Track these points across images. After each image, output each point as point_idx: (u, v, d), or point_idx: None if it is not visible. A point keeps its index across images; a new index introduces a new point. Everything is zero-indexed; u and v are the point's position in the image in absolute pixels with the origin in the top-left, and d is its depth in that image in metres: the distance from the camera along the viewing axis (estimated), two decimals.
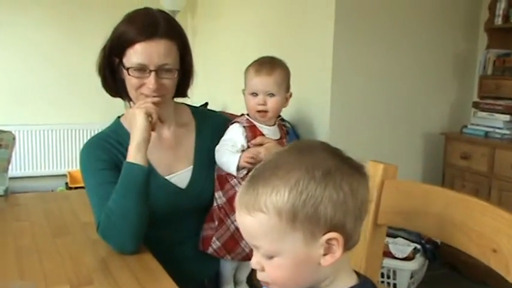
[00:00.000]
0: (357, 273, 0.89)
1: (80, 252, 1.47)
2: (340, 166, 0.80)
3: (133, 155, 1.42)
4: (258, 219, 0.79)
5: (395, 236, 3.13)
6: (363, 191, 0.82)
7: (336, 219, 0.78)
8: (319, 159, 0.81)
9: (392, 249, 3.01)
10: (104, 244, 1.45)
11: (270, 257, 0.81)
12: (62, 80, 4.99)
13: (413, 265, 2.93)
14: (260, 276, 0.85)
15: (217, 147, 1.61)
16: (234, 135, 1.61)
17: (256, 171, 0.84)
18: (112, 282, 1.26)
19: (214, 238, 1.57)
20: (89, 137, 1.62)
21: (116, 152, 1.54)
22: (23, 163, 5.03)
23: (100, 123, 1.71)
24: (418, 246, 3.04)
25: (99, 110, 4.17)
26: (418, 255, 3.00)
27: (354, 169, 0.82)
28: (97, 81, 1.60)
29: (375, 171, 1.12)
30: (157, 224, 1.48)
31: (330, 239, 0.79)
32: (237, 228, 1.55)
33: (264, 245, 0.80)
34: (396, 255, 2.98)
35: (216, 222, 1.58)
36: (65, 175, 5.03)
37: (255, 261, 0.84)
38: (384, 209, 1.11)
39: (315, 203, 0.77)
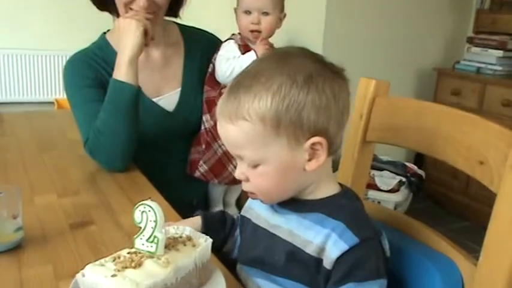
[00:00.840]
0: (340, 184, 0.89)
1: (66, 166, 1.47)
2: (322, 70, 0.80)
3: (124, 72, 1.35)
4: (241, 127, 0.78)
5: (381, 169, 3.16)
6: (345, 94, 0.82)
7: (320, 124, 0.79)
8: (300, 64, 0.80)
9: (378, 182, 3.05)
10: (92, 160, 1.45)
11: (255, 166, 0.81)
12: (52, 6, 4.86)
13: (397, 197, 2.98)
14: (245, 187, 0.86)
15: (217, 62, 1.55)
16: (231, 51, 1.56)
17: (235, 81, 0.82)
18: (99, 193, 1.27)
19: (201, 162, 1.56)
20: None
21: (102, 70, 1.49)
22: (10, 88, 4.97)
23: None
24: (404, 179, 3.08)
25: (89, 37, 4.07)
26: (402, 188, 3.04)
27: (335, 73, 0.82)
28: (88, 6, 1.53)
29: (366, 87, 1.11)
30: (144, 147, 1.46)
31: (314, 144, 0.79)
32: (224, 152, 1.54)
33: (248, 154, 0.80)
34: (381, 188, 3.02)
35: (203, 146, 1.56)
36: (52, 102, 4.98)
37: (239, 172, 0.84)
38: (374, 126, 1.10)
39: (298, 107, 0.77)
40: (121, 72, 1.36)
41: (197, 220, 1.00)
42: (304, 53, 0.83)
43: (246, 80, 0.80)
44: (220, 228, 1.01)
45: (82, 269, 0.75)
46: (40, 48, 4.96)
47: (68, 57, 1.56)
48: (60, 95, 5.00)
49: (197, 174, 1.57)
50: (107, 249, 0.97)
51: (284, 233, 0.85)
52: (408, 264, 0.90)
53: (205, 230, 0.97)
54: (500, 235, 0.77)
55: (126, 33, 1.38)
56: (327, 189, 0.86)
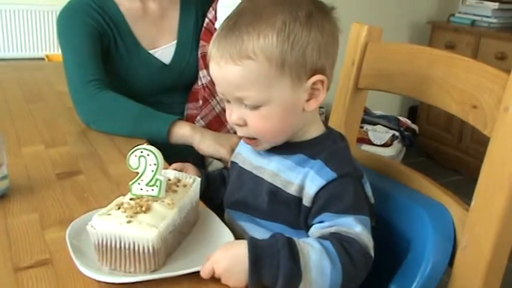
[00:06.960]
0: (326, 127, 0.89)
1: (54, 117, 1.44)
2: (317, 8, 0.79)
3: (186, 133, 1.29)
4: (246, 67, 0.76)
5: (375, 124, 3.15)
6: (337, 33, 0.82)
7: (320, 63, 0.78)
8: (298, 1, 0.78)
9: (371, 136, 3.04)
10: None
11: (256, 107, 0.79)
12: None
13: (390, 151, 2.97)
14: (242, 132, 0.83)
15: (220, 11, 1.48)
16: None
17: (231, 20, 0.79)
18: (87, 143, 1.25)
19: (198, 117, 1.53)
20: None
21: (100, 19, 1.41)
22: None
23: None
24: (397, 134, 3.07)
25: None
26: (396, 142, 3.03)
27: (327, 11, 0.81)
28: None
29: (358, 33, 1.08)
30: (138, 100, 1.42)
31: (315, 83, 0.78)
32: (223, 109, 1.51)
33: (252, 94, 0.77)
34: (375, 142, 3.01)
35: (201, 102, 1.53)
36: (42, 59, 4.89)
37: (237, 117, 0.81)
38: (366, 72, 1.08)
39: (303, 45, 0.76)
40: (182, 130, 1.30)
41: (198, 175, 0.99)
42: None
43: (244, 18, 0.77)
44: (220, 187, 1.01)
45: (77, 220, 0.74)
46: (30, 3, 4.85)
47: (57, 13, 1.48)
48: (51, 50, 4.91)
49: None
50: (95, 199, 0.96)
51: (267, 175, 0.85)
52: (399, 209, 0.89)
53: (206, 187, 0.96)
54: (493, 178, 0.76)
55: None
56: (315, 130, 0.85)
